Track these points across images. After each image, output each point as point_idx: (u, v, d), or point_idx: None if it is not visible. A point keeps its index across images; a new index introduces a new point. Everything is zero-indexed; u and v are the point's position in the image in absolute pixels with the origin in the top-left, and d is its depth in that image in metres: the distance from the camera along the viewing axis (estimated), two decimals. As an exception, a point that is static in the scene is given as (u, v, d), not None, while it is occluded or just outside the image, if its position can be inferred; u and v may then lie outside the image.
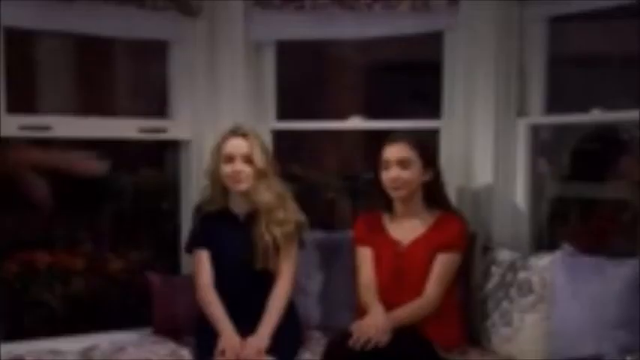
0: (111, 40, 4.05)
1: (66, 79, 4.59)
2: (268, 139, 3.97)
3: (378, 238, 3.40)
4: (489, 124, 3.60)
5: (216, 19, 3.87)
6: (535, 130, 3.68)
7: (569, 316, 3.04)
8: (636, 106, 3.27)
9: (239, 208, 3.44)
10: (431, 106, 3.89)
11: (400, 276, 3.30)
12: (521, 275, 3.29)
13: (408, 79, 5.08)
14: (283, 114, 4.09)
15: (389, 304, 3.23)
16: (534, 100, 3.64)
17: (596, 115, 3.47)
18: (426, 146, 3.37)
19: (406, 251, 3.33)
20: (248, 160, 3.35)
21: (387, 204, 3.40)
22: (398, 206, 3.38)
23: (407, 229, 3.37)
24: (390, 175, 3.30)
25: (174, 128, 3.90)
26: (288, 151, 3.80)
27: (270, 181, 3.38)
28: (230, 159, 3.36)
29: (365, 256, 3.39)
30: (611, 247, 4.13)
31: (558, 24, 3.64)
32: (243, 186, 3.36)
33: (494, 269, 3.42)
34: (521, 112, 3.63)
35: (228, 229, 3.41)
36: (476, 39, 3.62)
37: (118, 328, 3.67)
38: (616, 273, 2.99)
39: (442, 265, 3.27)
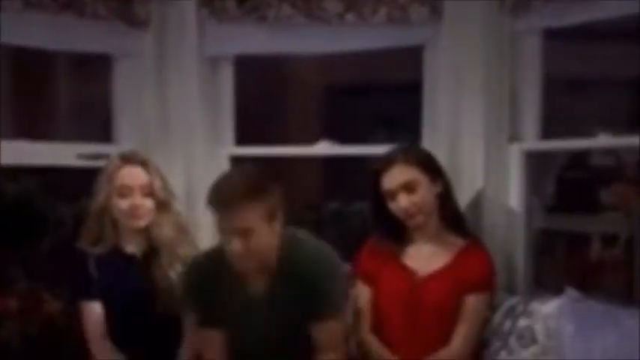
0: (46, 53, 3.67)
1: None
2: (226, 167, 3.59)
3: (388, 268, 2.93)
4: (478, 151, 3.21)
5: (167, 31, 3.54)
6: (530, 158, 3.28)
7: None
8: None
9: (134, 246, 3.05)
10: (407, 132, 3.53)
11: (415, 315, 2.85)
12: (522, 323, 2.88)
13: (381, 101, 4.82)
14: (241, 138, 3.72)
15: (401, 351, 2.83)
16: (528, 123, 3.25)
17: (601, 141, 3.09)
18: (425, 155, 2.93)
19: (424, 284, 2.87)
20: (148, 192, 2.98)
21: (398, 235, 2.94)
22: (413, 233, 2.93)
23: (425, 256, 2.91)
24: (399, 205, 2.84)
25: (118, 154, 3.50)
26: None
27: (172, 214, 3.04)
28: (126, 191, 2.97)
29: (364, 298, 2.94)
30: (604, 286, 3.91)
31: (552, 42, 3.28)
32: (143, 222, 2.99)
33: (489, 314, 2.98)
34: (514, 136, 3.24)
35: (122, 272, 3.02)
36: (461, 54, 3.24)
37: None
38: (635, 324, 2.63)
39: (474, 309, 2.83)
